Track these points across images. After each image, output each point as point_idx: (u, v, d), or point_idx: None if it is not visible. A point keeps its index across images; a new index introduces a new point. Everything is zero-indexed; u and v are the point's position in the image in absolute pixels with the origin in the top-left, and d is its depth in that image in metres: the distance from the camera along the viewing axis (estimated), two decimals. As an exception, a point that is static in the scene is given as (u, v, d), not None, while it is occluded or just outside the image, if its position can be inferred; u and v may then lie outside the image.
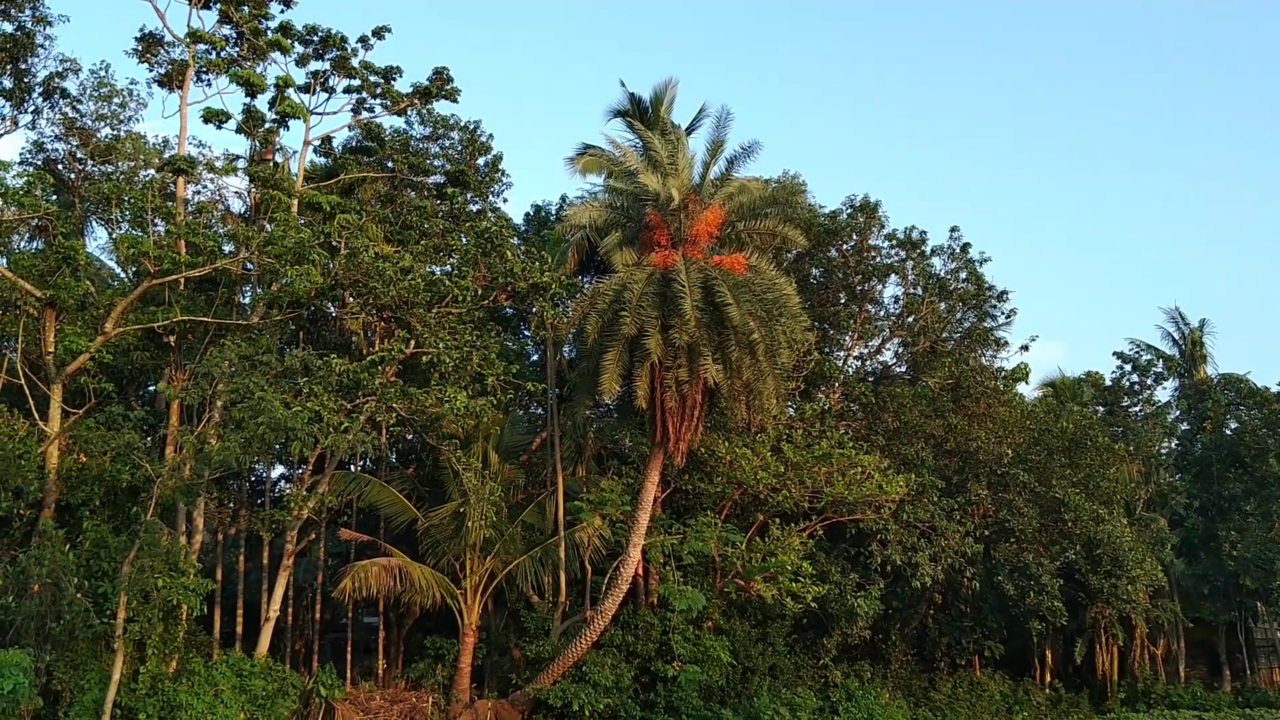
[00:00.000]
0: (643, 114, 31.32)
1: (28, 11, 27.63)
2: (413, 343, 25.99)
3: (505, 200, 37.29)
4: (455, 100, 30.44)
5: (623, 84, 34.07)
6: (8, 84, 28.36)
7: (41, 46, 28.58)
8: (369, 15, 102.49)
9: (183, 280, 25.95)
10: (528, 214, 38.12)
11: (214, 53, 27.71)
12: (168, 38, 28.54)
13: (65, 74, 29.44)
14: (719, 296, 26.38)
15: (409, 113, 33.29)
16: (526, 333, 35.27)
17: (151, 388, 30.89)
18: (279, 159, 29.17)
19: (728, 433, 31.52)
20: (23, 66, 28.18)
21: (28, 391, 24.20)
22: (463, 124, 35.97)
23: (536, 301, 27.61)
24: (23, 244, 28.69)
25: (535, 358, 35.26)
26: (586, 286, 30.23)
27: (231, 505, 32.18)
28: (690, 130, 31.89)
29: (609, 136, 30.77)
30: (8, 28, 27.85)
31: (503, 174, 36.21)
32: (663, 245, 27.75)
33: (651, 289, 26.89)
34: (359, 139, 32.13)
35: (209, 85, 28.57)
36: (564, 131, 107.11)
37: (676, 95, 31.64)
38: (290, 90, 27.57)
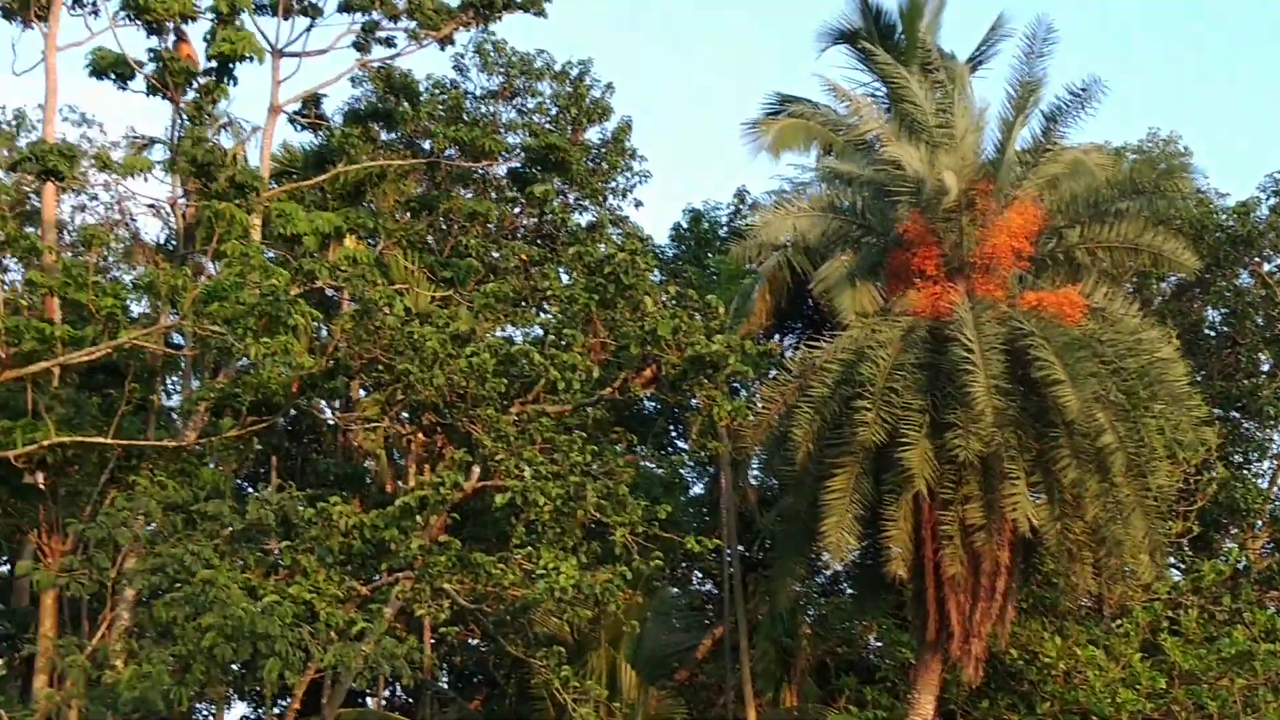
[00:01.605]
0: (885, 35, 31.56)
1: None
2: (477, 470, 24.38)
3: (638, 205, 37.53)
4: (542, 12, 30.30)
5: None
6: None
7: None
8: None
9: (58, 372, 24.98)
10: (678, 228, 38.63)
11: None
12: None
13: None
14: (1039, 368, 25.22)
15: (460, 45, 33.55)
16: (682, 444, 35.92)
17: (6, 568, 30.78)
18: (227, 139, 29.79)
19: (1059, 618, 30.24)
20: None
21: None
22: (559, 67, 36.14)
23: (699, 388, 25.73)
24: None
25: (699, 489, 35.76)
26: (790, 355, 29.94)
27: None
28: (975, 63, 31.87)
29: (825, 80, 30.42)
30: None
31: (633, 155, 36.42)
32: (930, 275, 26.91)
33: (911, 357, 26.04)
34: (373, 96, 32.27)
35: (95, 13, 28.15)
36: (731, 93, 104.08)
37: None
38: (245, 16, 27.47)
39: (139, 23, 27.34)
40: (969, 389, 24.53)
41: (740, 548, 31.96)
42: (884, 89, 29.86)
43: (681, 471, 35.50)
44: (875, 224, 28.03)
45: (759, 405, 28.13)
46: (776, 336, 31.17)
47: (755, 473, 33.34)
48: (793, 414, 26.21)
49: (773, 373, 28.73)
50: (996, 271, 26.69)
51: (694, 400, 26.97)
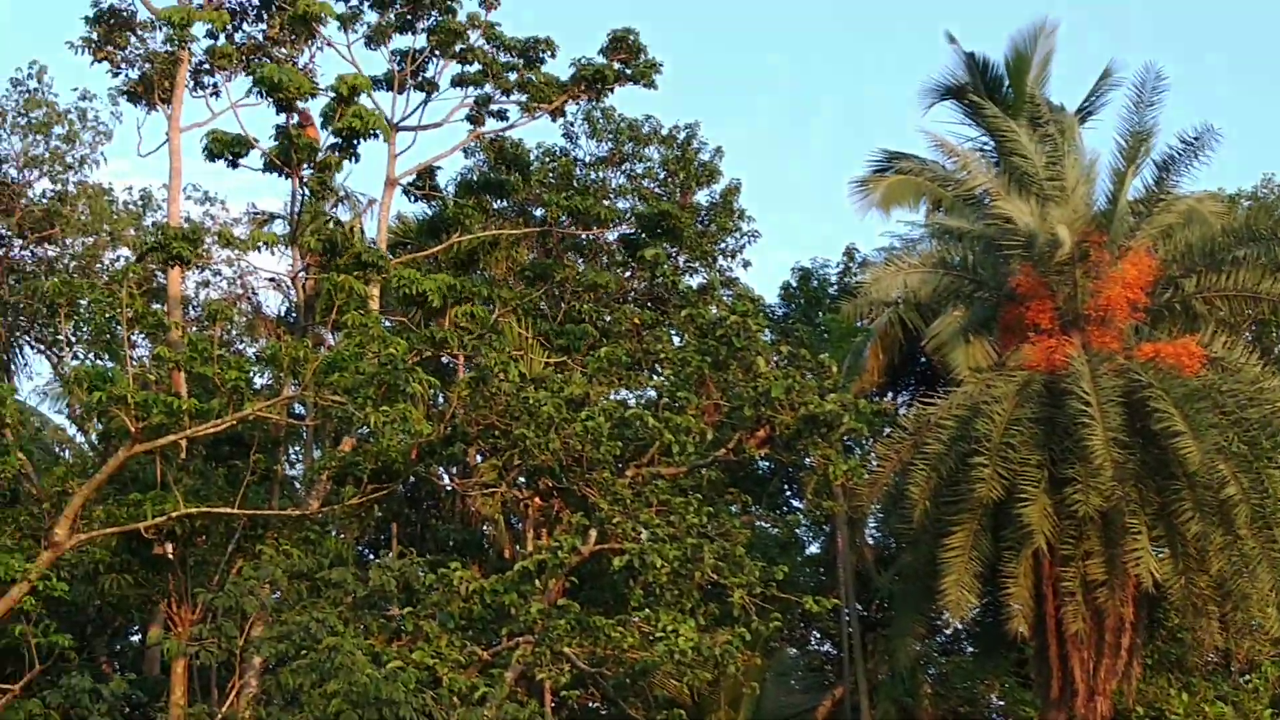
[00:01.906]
0: (991, 89, 31.62)
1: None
2: (594, 534, 24.09)
3: (747, 266, 37.59)
4: (652, 84, 30.57)
5: (951, 39, 32.90)
6: None
7: (-74, 47, 30.21)
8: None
9: (185, 444, 25.27)
10: (788, 287, 38.33)
11: (220, 34, 28.01)
12: (141, 14, 29.11)
13: (-32, 92, 31.44)
14: (1158, 420, 24.96)
15: (569, 112, 33.69)
16: (797, 503, 35.38)
17: (137, 637, 30.80)
18: (343, 212, 29.98)
19: (1186, 674, 29.92)
20: (-106, 82, 29.79)
21: (-75, 656, 23.98)
22: (666, 131, 36.62)
23: (813, 447, 25.54)
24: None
25: (815, 549, 35.52)
26: (904, 412, 29.92)
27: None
28: (1084, 114, 31.80)
29: (932, 136, 30.49)
30: None
31: (741, 216, 36.51)
32: (1044, 329, 26.87)
33: (1027, 412, 25.85)
34: (484, 165, 32.50)
35: (215, 94, 28.92)
36: (838, 147, 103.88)
37: (1054, 50, 31.59)
38: (364, 97, 27.61)
39: (269, 100, 27.83)
40: (1087, 443, 24.29)
41: (858, 607, 31.69)
42: (992, 143, 29.96)
43: (797, 531, 35.07)
44: (987, 278, 28.02)
45: (874, 463, 27.97)
46: (890, 394, 31.15)
47: (872, 531, 33.09)
48: (909, 471, 26.12)
49: (887, 430, 28.57)
50: (1112, 323, 26.62)
51: (808, 460, 26.71)
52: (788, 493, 35.84)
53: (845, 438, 26.35)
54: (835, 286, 37.16)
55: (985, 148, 30.34)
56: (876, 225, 66.76)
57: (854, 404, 25.73)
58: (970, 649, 33.38)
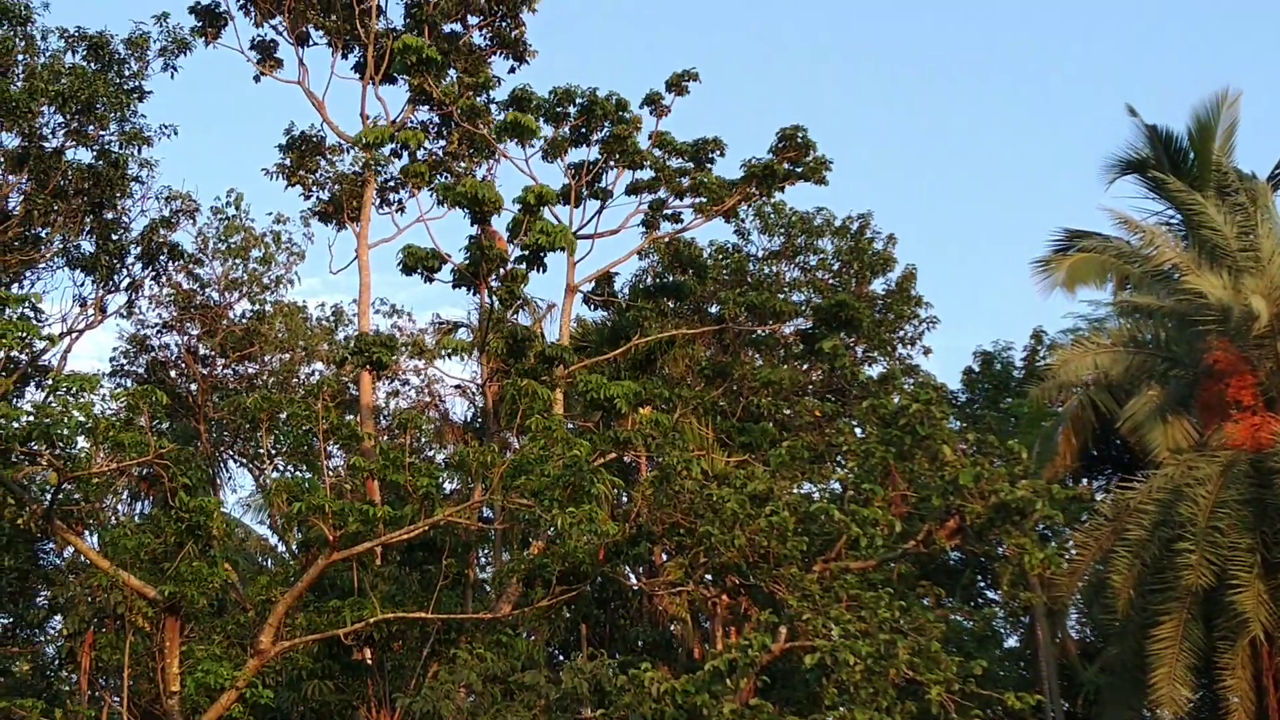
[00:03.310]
0: (1175, 161, 31.07)
1: (113, 127, 29.06)
2: (784, 631, 24.05)
3: (929, 354, 37.70)
4: (823, 180, 30.83)
5: (1132, 112, 32.89)
6: (88, 247, 29.79)
7: (137, 180, 30.08)
8: (642, 71, 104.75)
9: (380, 551, 25.92)
10: (969, 371, 38.31)
11: (404, 150, 28.95)
12: (330, 139, 30.63)
13: (175, 219, 31.00)
14: None
15: (742, 211, 34.15)
16: (992, 596, 34.47)
17: None
18: (524, 318, 30.83)
19: None
20: (109, 216, 29.45)
21: (139, 762, 24.59)
22: (839, 223, 36.70)
23: (1006, 536, 25.12)
24: (122, 507, 30.00)
25: (1013, 642, 34.82)
26: (1101, 498, 29.37)
27: None
28: (1277, 182, 32.15)
29: (1114, 212, 30.38)
30: (84, 156, 29.42)
31: (919, 303, 36.63)
32: (1247, 405, 26.75)
33: (1234, 493, 25.65)
34: (659, 266, 33.23)
35: (401, 210, 30.67)
36: (1012, 224, 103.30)
37: (1239, 119, 31.10)
38: (545, 206, 28.09)
39: (465, 212, 28.54)
40: (1296, 523, 24.32)
41: (1063, 703, 31.07)
42: (1178, 216, 29.88)
43: (994, 624, 34.53)
44: (1182, 355, 28.08)
45: (1072, 552, 27.69)
46: (1084, 479, 30.86)
47: (1073, 623, 32.69)
48: (1110, 559, 26.08)
49: (1084, 517, 28.15)
50: (1315, 398, 26.68)
51: (1002, 550, 26.00)
52: (982, 584, 35.67)
53: (1040, 526, 26.14)
54: (1020, 369, 37.14)
55: (1171, 221, 30.40)
56: (1057, 304, 66.37)
57: (1047, 490, 25.11)
58: (1189, 744, 32.90)
